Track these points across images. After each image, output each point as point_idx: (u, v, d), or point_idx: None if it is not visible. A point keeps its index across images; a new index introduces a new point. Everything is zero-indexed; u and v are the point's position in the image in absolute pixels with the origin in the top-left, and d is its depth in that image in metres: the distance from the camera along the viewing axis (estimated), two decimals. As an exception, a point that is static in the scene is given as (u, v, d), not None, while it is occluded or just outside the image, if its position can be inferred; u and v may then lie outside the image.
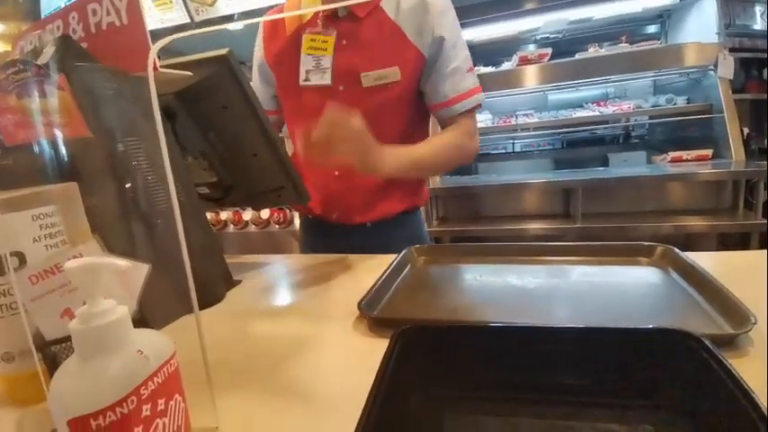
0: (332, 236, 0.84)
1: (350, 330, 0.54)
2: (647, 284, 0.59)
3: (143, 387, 0.28)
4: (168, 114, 0.64)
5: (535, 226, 1.85)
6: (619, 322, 0.48)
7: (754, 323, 0.41)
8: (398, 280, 0.68)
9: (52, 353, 0.38)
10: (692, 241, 1.75)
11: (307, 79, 0.81)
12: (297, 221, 2.24)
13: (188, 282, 0.36)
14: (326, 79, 0.80)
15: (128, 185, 0.51)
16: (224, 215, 2.40)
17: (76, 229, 0.45)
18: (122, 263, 0.29)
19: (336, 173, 0.88)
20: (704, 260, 0.60)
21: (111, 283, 0.31)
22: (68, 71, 0.50)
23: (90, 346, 0.27)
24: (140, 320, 0.51)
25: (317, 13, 0.81)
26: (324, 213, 0.91)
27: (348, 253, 0.83)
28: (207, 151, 0.71)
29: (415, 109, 0.85)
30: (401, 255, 0.76)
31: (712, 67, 1.87)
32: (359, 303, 0.55)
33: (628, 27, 2.32)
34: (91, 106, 0.51)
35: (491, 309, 0.58)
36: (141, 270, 0.38)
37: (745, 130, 1.95)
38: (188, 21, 2.41)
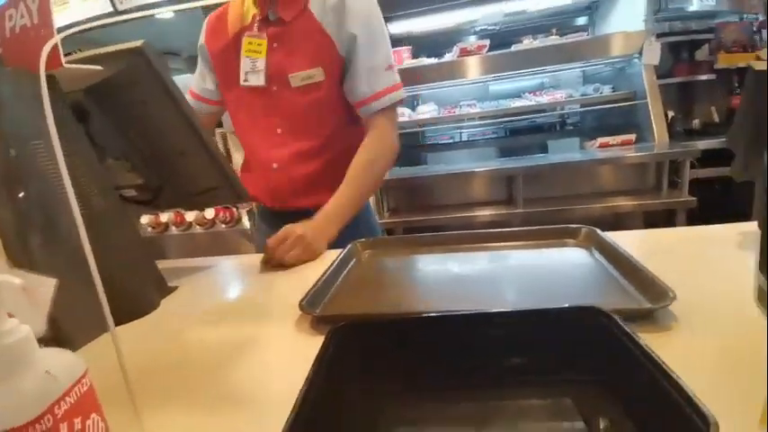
0: (285, 222, 0.86)
1: (291, 330, 0.53)
2: (574, 265, 0.63)
3: (56, 406, 0.27)
4: (81, 113, 0.59)
5: (481, 213, 1.91)
6: (547, 302, 0.51)
7: (673, 298, 0.44)
8: (342, 275, 0.68)
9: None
10: (622, 220, 1.89)
11: (246, 80, 0.86)
12: (245, 219, 2.16)
13: (99, 294, 0.34)
14: (261, 80, 0.85)
15: (21, 195, 0.47)
16: (164, 217, 2.27)
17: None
18: (17, 281, 0.27)
19: (275, 165, 0.92)
20: (626, 239, 0.65)
21: (14, 300, 0.28)
22: None
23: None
24: (57, 338, 0.48)
25: (254, 17, 0.86)
26: (271, 203, 0.96)
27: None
28: (128, 151, 0.66)
29: (346, 107, 0.89)
30: (346, 249, 0.76)
31: (637, 55, 2.01)
32: (300, 302, 0.55)
33: (559, 19, 2.44)
34: None
35: (434, 299, 0.59)
36: (47, 285, 0.35)
37: (670, 114, 2.11)
38: (110, 10, 2.23)
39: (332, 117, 0.89)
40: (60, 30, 0.49)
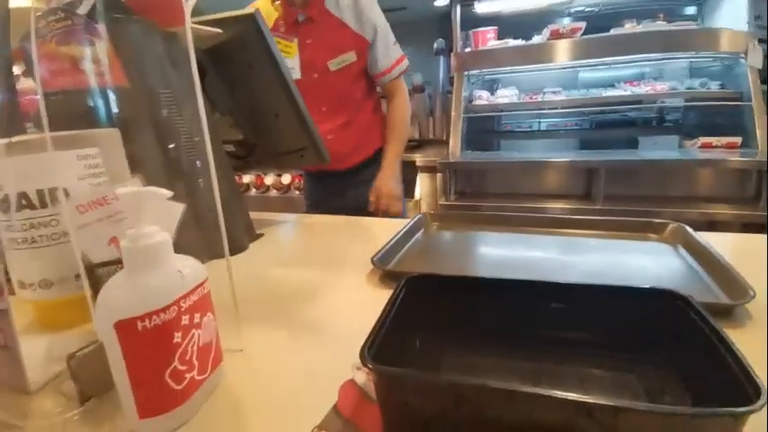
0: (325, 181, 1.21)
1: (363, 281, 0.58)
2: (653, 258, 0.60)
3: (182, 300, 0.33)
4: (199, 71, 0.67)
5: (554, 206, 1.83)
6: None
7: (753, 296, 0.42)
8: (411, 241, 0.72)
9: (97, 276, 0.42)
10: (714, 229, 1.71)
11: None
12: (316, 189, 2.28)
13: (221, 226, 0.40)
14: (297, 74, 1.06)
15: (171, 146, 0.55)
16: (246, 178, 2.47)
17: (117, 171, 0.49)
18: (166, 192, 0.33)
19: (329, 137, 1.14)
20: (715, 240, 0.61)
21: (153, 213, 0.35)
22: (109, 22, 0.53)
23: (137, 263, 0.32)
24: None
25: (277, 20, 1.05)
26: (348, 166, 1.22)
27: (340, 184, 1.18)
28: (233, 109, 0.74)
29: (366, 79, 1.18)
30: (415, 218, 0.79)
31: (743, 55, 1.79)
32: (372, 258, 0.59)
33: (666, 5, 2.20)
34: (131, 58, 0.54)
35: (497, 272, 0.60)
36: (177, 208, 0.41)
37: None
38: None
39: (359, 87, 1.15)
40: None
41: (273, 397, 0.36)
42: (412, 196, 2.16)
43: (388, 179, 1.12)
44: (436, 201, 2.09)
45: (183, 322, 0.33)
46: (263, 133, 0.80)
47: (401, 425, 0.30)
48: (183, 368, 0.33)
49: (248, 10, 0.63)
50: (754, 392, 0.23)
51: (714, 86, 1.95)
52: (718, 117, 2.00)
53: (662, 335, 0.35)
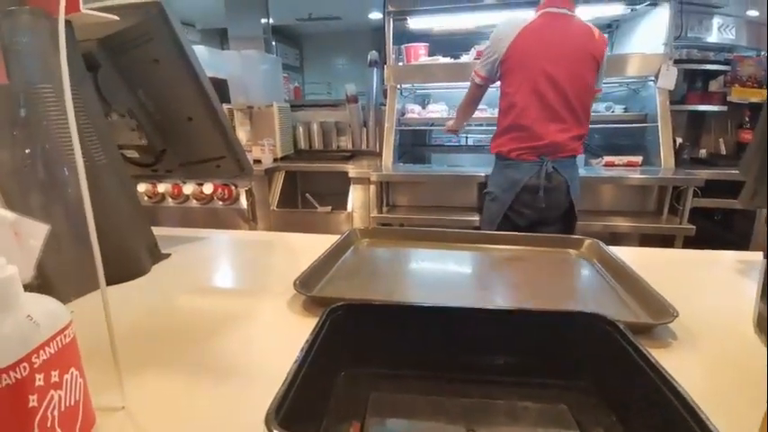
0: None
1: (283, 308, 0.52)
2: (575, 275, 0.62)
3: (34, 355, 0.26)
4: (91, 64, 0.57)
5: (477, 218, 1.90)
6: (545, 307, 0.50)
7: (675, 315, 0.43)
8: (339, 261, 0.67)
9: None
10: (619, 240, 1.89)
11: None
12: (243, 198, 2.14)
13: (94, 250, 0.32)
14: None
15: (27, 151, 0.45)
16: (162, 187, 2.24)
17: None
18: (10, 215, 0.26)
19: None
20: (628, 255, 0.64)
21: (4, 240, 0.27)
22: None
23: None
24: (45, 287, 0.46)
25: None
26: None
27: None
28: (135, 110, 0.64)
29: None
30: (344, 235, 0.74)
31: (653, 78, 2.00)
32: (294, 281, 0.53)
33: (579, 34, 2.43)
34: (9, 49, 0.44)
35: (426, 292, 0.58)
36: (39, 230, 0.33)
37: (678, 140, 2.11)
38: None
39: None
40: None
41: (162, 466, 0.29)
42: (345, 208, 2.12)
43: None
44: (368, 213, 2.07)
45: (37, 383, 0.26)
46: (174, 139, 0.71)
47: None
48: None
49: (153, -3, 0.55)
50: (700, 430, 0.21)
51: (618, 109, 2.17)
52: (621, 138, 2.23)
53: (590, 360, 0.35)
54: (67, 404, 0.28)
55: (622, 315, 0.47)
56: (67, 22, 0.51)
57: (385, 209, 2.02)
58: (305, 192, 2.39)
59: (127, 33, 0.55)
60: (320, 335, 0.34)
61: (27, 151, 0.46)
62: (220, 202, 2.18)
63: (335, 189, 2.27)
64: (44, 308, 0.27)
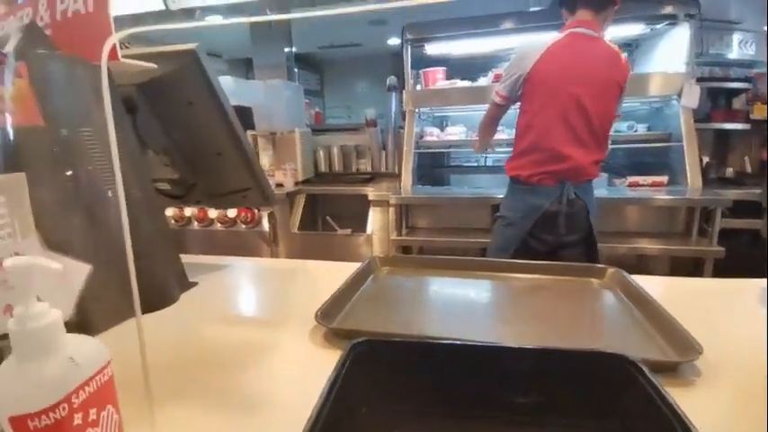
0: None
1: (306, 340, 0.53)
2: (598, 305, 0.61)
3: (74, 395, 0.27)
4: (129, 107, 0.61)
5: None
6: (567, 342, 0.50)
7: (700, 352, 0.42)
8: (360, 290, 0.68)
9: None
10: (646, 263, 1.83)
11: None
12: (265, 221, 2.19)
13: (132, 282, 0.34)
14: None
15: (69, 173, 0.48)
16: (188, 211, 2.32)
17: (22, 221, 0.42)
18: (56, 266, 0.28)
19: None
20: (651, 284, 0.63)
21: (47, 283, 0.29)
22: (29, 58, 0.47)
23: (24, 348, 0.26)
24: (80, 323, 0.49)
25: None
26: None
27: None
28: (169, 148, 0.68)
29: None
30: (364, 263, 0.75)
31: (675, 97, 1.97)
32: (316, 313, 0.55)
33: (598, 54, 2.43)
34: (45, 93, 0.48)
35: (446, 323, 0.58)
36: (81, 271, 0.36)
37: (705, 159, 2.06)
38: (162, 8, 2.34)
39: None
40: (115, 20, 0.52)
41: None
42: (364, 230, 2.14)
43: None
44: (388, 235, 2.08)
45: (75, 422, 0.27)
46: (204, 173, 0.75)
47: None
48: None
49: (190, 45, 0.59)
50: None
51: (641, 128, 2.14)
52: (644, 157, 2.18)
53: (615, 401, 0.34)
54: (103, 441, 0.30)
55: (648, 350, 0.46)
56: (106, 69, 0.55)
57: (404, 231, 2.03)
58: (325, 214, 2.42)
59: (163, 79, 0.59)
60: (343, 370, 0.34)
61: (69, 173, 0.49)
62: (243, 226, 2.24)
63: (355, 212, 2.30)
64: (85, 348, 0.29)
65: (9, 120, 0.46)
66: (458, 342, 0.38)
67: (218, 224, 2.29)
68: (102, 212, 0.53)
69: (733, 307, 0.62)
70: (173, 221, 2.29)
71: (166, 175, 0.72)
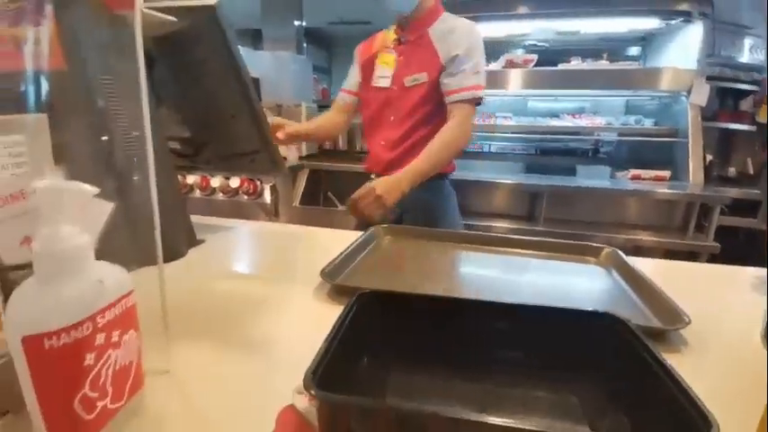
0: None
1: (310, 295, 0.55)
2: (591, 281, 0.63)
3: (99, 315, 0.29)
4: (146, 60, 0.62)
5: (500, 225, 1.91)
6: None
7: (688, 322, 0.45)
8: (362, 255, 0.70)
9: (9, 280, 0.37)
10: (641, 254, 1.85)
11: (377, 82, 1.22)
12: (267, 193, 2.20)
13: (156, 230, 0.36)
14: (388, 83, 1.20)
15: (104, 138, 0.50)
16: (191, 179, 2.33)
17: (41, 160, 0.44)
18: (90, 188, 0.29)
19: (382, 142, 1.22)
20: (647, 266, 0.65)
21: (74, 212, 0.31)
22: (57, 3, 0.48)
23: (50, 269, 0.27)
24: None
25: (393, 41, 1.21)
26: (378, 170, 1.24)
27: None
28: (182, 105, 0.69)
29: (437, 99, 1.18)
30: (368, 232, 0.77)
31: (685, 94, 1.97)
32: (322, 270, 0.57)
33: (611, 45, 2.41)
34: (73, 41, 0.49)
35: (445, 290, 0.61)
36: (105, 207, 0.37)
37: (708, 157, 2.07)
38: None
39: (426, 107, 1.17)
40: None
41: (202, 427, 0.32)
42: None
43: (389, 183, 1.00)
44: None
45: (97, 342, 0.29)
46: (215, 133, 0.76)
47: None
48: (95, 395, 0.29)
49: (209, 1, 0.59)
50: (705, 426, 0.23)
51: (648, 123, 2.14)
52: (647, 152, 2.19)
53: (602, 357, 0.36)
54: (123, 363, 0.32)
55: (636, 319, 0.48)
56: (123, 18, 0.56)
57: (405, 211, 2.04)
58: (327, 190, 2.44)
59: (181, 33, 0.59)
60: (348, 316, 0.36)
61: (104, 138, 0.50)
62: (245, 196, 2.25)
63: (357, 189, 2.31)
64: (113, 272, 0.31)
65: (43, 63, 0.47)
66: (454, 297, 0.40)
67: (220, 193, 2.30)
68: (121, 161, 0.54)
69: (725, 290, 0.64)
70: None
71: (178, 134, 0.73)
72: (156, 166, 0.60)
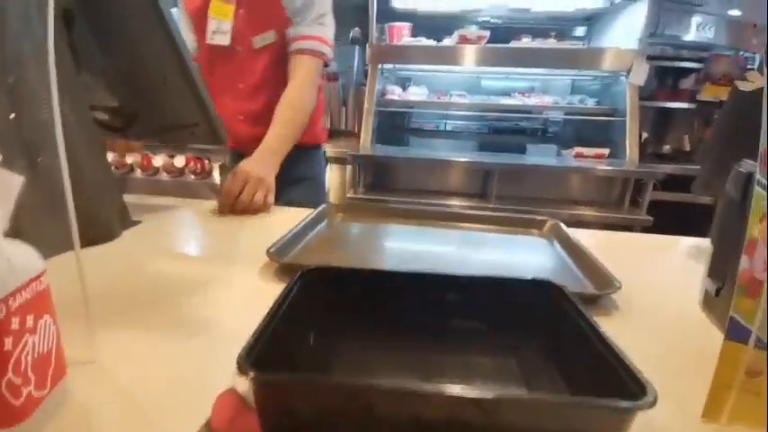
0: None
1: (254, 275, 0.53)
2: (534, 251, 0.66)
3: (11, 297, 0.26)
4: (66, 18, 0.55)
5: (454, 203, 1.95)
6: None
7: (619, 287, 0.48)
8: (313, 232, 0.69)
9: None
10: (583, 228, 1.97)
11: (212, 38, 0.99)
12: (216, 173, 2.10)
13: (69, 211, 0.33)
14: (226, 40, 0.98)
15: (12, 116, 0.44)
16: (130, 158, 2.17)
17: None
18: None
19: (240, 117, 1.06)
20: (586, 236, 0.68)
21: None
22: None
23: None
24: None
25: None
26: (238, 148, 1.09)
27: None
28: (107, 69, 0.63)
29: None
30: (319, 209, 0.76)
31: (624, 73, 2.07)
32: (268, 249, 0.55)
33: (559, 25, 2.47)
34: None
35: (395, 265, 0.61)
36: (14, 181, 0.33)
37: (644, 135, 2.20)
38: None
39: (280, 72, 1.00)
40: None
41: (133, 417, 0.30)
42: (320, 186, 2.12)
43: (258, 163, 0.86)
44: (344, 193, 2.08)
45: (13, 326, 0.26)
46: (147, 101, 0.70)
47: None
48: (19, 381, 0.26)
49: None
50: (639, 390, 0.24)
51: (591, 102, 2.24)
52: (591, 130, 2.30)
53: (541, 323, 0.38)
54: (41, 350, 0.29)
55: (573, 286, 0.51)
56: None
57: (361, 190, 2.03)
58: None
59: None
60: (290, 294, 0.35)
61: (12, 116, 0.45)
62: (192, 176, 2.14)
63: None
64: (22, 252, 0.28)
65: None
66: (398, 271, 0.40)
67: (165, 173, 2.17)
68: (37, 134, 0.48)
69: (660, 258, 0.69)
70: (113, 168, 2.14)
71: (105, 102, 0.67)
72: (80, 141, 0.55)
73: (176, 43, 0.58)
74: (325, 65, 1.02)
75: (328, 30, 1.01)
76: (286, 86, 0.98)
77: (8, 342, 0.26)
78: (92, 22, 0.58)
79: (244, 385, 0.32)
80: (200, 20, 1.01)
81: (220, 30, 0.98)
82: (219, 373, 0.32)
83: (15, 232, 0.36)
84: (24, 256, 0.28)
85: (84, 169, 0.58)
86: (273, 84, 1.00)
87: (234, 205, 0.80)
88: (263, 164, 0.86)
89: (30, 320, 0.28)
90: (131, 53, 0.61)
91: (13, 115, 0.48)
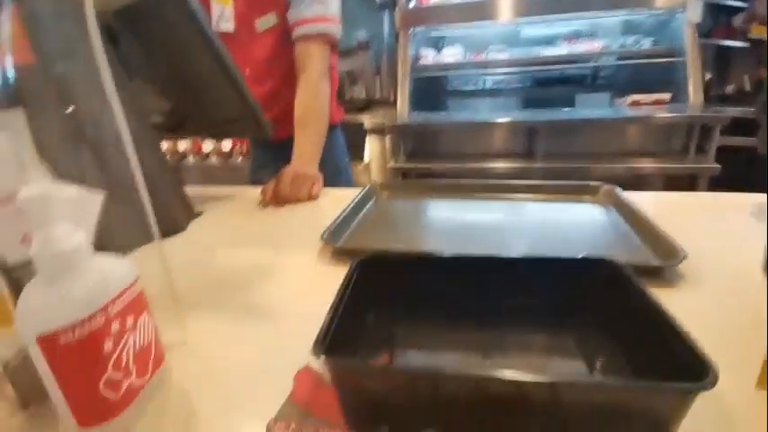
0: (272, 148, 1.00)
1: (313, 260, 0.57)
2: (590, 221, 0.64)
3: (109, 306, 0.30)
4: (110, 36, 0.58)
5: (499, 165, 1.89)
6: (559, 253, 0.53)
7: (684, 257, 0.45)
8: (361, 213, 0.70)
9: (15, 278, 0.38)
10: (643, 182, 1.85)
11: (218, 26, 0.96)
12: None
13: (146, 207, 0.36)
14: (230, 27, 0.95)
15: (69, 110, 0.48)
16: (182, 145, 2.30)
17: (25, 156, 0.43)
18: (69, 192, 0.29)
19: None
20: (645, 199, 0.65)
21: (63, 212, 0.31)
22: None
23: (51, 271, 0.28)
24: (99, 250, 0.52)
25: None
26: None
27: (281, 161, 0.91)
28: (156, 77, 0.66)
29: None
30: (365, 189, 0.77)
31: (681, 10, 1.86)
32: (322, 234, 0.57)
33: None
34: (34, 28, 0.46)
35: (446, 241, 0.62)
36: (95, 199, 0.37)
37: (707, 76, 1.99)
38: None
39: (285, 57, 0.98)
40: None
41: (224, 391, 0.35)
42: (361, 159, 2.13)
43: (306, 165, 0.89)
44: (385, 163, 2.08)
45: (113, 329, 0.30)
46: (195, 102, 0.73)
47: (358, 410, 0.30)
48: (119, 376, 0.31)
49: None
50: (703, 370, 0.24)
51: (647, 43, 2.04)
52: (650, 73, 2.11)
53: (599, 302, 0.38)
54: (141, 344, 0.33)
55: (633, 258, 0.50)
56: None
57: (402, 159, 2.02)
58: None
59: (140, 3, 0.55)
60: (351, 281, 0.37)
61: (69, 111, 0.49)
62: (240, 158, 2.23)
63: (352, 140, 2.26)
64: (116, 265, 0.32)
65: (8, 60, 0.45)
66: (449, 255, 0.41)
67: (214, 157, 2.28)
68: (102, 144, 0.53)
69: (723, 219, 0.64)
70: (167, 156, 2.27)
71: (159, 107, 0.71)
72: (141, 144, 0.58)
73: (213, 44, 0.59)
74: (333, 45, 0.98)
75: (331, 4, 0.95)
76: (292, 70, 0.96)
77: (108, 344, 0.30)
78: (136, 38, 0.61)
79: (318, 363, 0.35)
80: (206, 8, 0.98)
81: (224, 16, 0.97)
82: (294, 351, 0.35)
83: (98, 237, 0.40)
84: (118, 269, 0.32)
85: (149, 168, 0.63)
86: (278, 67, 0.99)
87: (279, 201, 0.82)
88: (305, 165, 0.89)
89: (129, 321, 0.32)
90: (175, 61, 0.64)
91: (71, 108, 0.51)
